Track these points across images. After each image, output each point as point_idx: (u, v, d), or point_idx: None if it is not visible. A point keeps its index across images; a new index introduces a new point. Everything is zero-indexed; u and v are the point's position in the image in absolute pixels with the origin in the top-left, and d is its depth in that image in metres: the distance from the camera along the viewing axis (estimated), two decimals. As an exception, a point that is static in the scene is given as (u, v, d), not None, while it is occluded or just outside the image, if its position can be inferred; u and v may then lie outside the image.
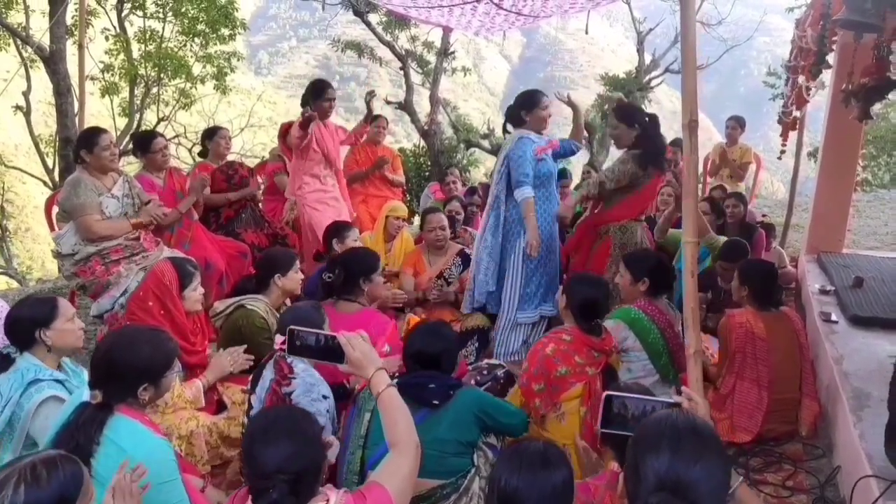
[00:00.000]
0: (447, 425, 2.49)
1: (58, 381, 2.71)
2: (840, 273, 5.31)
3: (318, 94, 5.20)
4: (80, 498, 1.61)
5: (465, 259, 4.78)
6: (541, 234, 4.19)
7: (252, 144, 16.42)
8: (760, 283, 3.63)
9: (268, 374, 2.78)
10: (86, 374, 2.92)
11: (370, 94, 6.05)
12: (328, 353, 2.15)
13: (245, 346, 3.39)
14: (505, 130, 4.51)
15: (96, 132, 4.22)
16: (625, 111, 4.45)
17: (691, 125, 2.75)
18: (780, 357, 3.49)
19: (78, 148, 4.16)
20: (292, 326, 2.23)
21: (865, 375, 3.54)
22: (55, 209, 4.35)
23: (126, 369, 2.16)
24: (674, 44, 12.19)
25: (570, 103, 4.55)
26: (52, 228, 4.41)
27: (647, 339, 3.48)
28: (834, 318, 4.44)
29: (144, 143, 4.85)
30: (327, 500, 1.77)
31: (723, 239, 4.76)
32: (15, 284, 8.85)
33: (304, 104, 5.19)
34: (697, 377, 2.72)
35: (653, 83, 12.83)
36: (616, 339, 3.38)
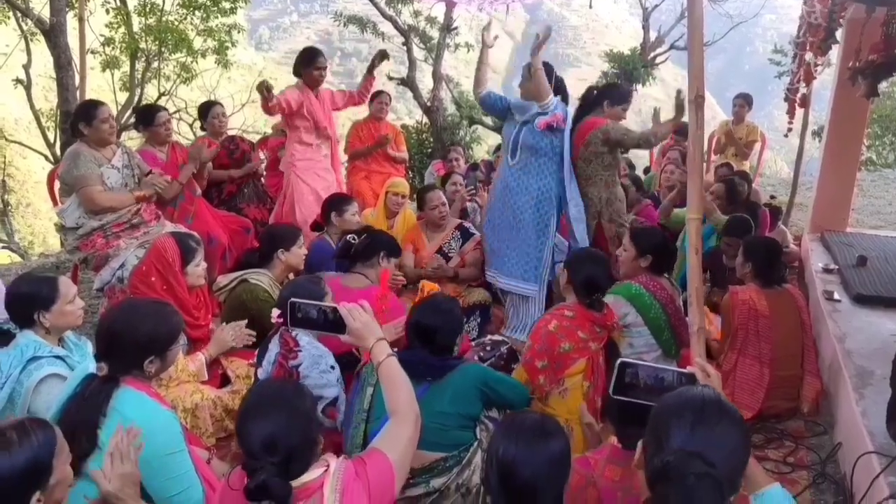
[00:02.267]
0: (449, 398, 2.50)
1: (58, 357, 2.70)
2: (844, 252, 5.31)
3: (307, 63, 5.11)
4: (56, 458, 1.62)
5: (465, 233, 4.77)
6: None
7: (253, 120, 16.31)
8: (764, 260, 3.63)
9: (273, 347, 2.79)
10: (89, 347, 2.94)
11: (382, 55, 5.55)
12: (329, 324, 2.15)
13: (246, 321, 3.40)
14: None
15: (94, 105, 4.20)
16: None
17: (697, 101, 2.72)
18: (782, 334, 3.50)
19: (76, 121, 4.14)
20: (293, 299, 2.23)
21: (868, 353, 3.55)
22: (57, 183, 4.35)
23: (132, 342, 2.16)
24: (679, 20, 12.07)
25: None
26: (55, 203, 4.41)
27: (649, 314, 3.47)
28: (837, 296, 4.45)
29: (147, 116, 4.82)
30: (327, 467, 1.78)
31: (726, 218, 4.75)
32: (17, 259, 8.86)
33: (295, 73, 5.15)
34: (701, 353, 2.72)
35: (658, 60, 12.70)
36: (617, 314, 3.38)
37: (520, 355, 3.50)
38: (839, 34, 4.77)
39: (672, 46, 12.30)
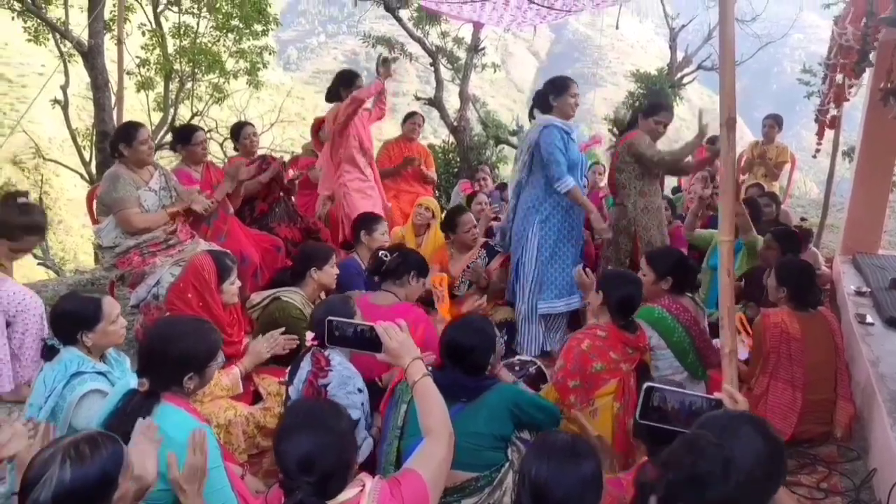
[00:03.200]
0: (483, 419, 2.52)
1: (100, 373, 2.76)
2: (876, 274, 5.24)
3: (348, 84, 5.23)
4: (122, 474, 1.66)
5: (490, 251, 4.82)
6: (563, 222, 4.26)
7: (281, 140, 16.53)
8: (797, 283, 3.60)
9: (305, 365, 2.83)
10: (128, 363, 3.01)
11: (385, 62, 5.26)
12: (366, 342, 2.19)
13: (282, 328, 3.45)
14: (531, 116, 4.49)
15: (134, 126, 4.32)
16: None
17: (729, 123, 2.73)
18: (815, 358, 3.46)
19: (116, 142, 4.26)
20: (330, 317, 2.27)
21: (905, 378, 3.50)
22: (95, 203, 4.46)
23: (172, 359, 2.22)
24: (706, 40, 12.02)
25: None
26: (93, 221, 4.52)
27: (672, 338, 3.47)
28: (870, 319, 4.39)
29: (185, 135, 4.93)
30: (363, 487, 1.80)
31: (761, 237, 4.72)
32: (53, 275, 9.06)
33: (332, 95, 5.24)
34: (732, 376, 2.70)
35: (685, 80, 12.66)
36: (647, 339, 3.38)
37: (548, 374, 3.51)
38: (872, 56, 4.76)
39: (700, 67, 12.24)
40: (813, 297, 3.64)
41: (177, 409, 2.21)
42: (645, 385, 1.86)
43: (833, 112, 5.03)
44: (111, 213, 4.19)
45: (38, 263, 10.11)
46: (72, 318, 2.72)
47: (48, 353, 2.77)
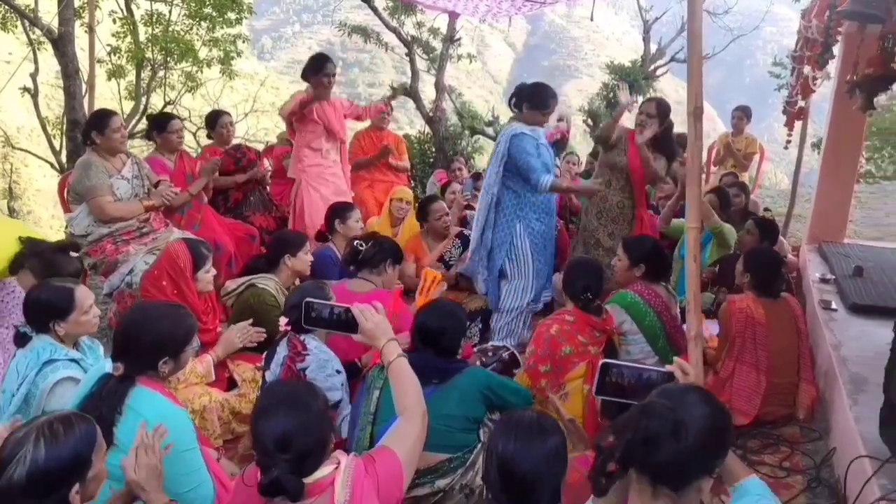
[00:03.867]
0: (454, 401, 2.57)
1: (73, 360, 2.76)
2: (840, 262, 5.38)
3: (316, 69, 5.16)
4: (94, 453, 1.69)
5: (465, 240, 4.87)
6: (539, 223, 4.30)
7: (256, 129, 16.41)
8: (764, 271, 3.70)
9: (281, 350, 2.87)
10: (101, 350, 3.02)
11: (395, 91, 5.93)
12: (342, 324, 2.23)
13: (251, 320, 3.46)
14: (511, 107, 4.45)
15: (107, 114, 4.29)
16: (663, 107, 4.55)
17: (696, 112, 2.80)
18: (778, 342, 3.56)
19: (88, 130, 4.23)
20: (308, 299, 2.30)
21: (863, 361, 3.61)
22: (67, 191, 4.43)
23: (147, 343, 2.24)
24: (679, 32, 12.16)
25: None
26: (65, 210, 4.48)
27: (644, 322, 3.55)
28: (833, 305, 4.52)
29: (161, 123, 4.90)
30: (338, 464, 1.84)
31: (727, 226, 4.82)
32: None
33: (303, 78, 5.23)
34: (697, 359, 2.79)
35: (658, 72, 12.80)
36: (614, 322, 3.46)
37: (521, 360, 3.58)
38: (837, 48, 4.88)
39: (672, 59, 12.41)
40: (777, 286, 3.74)
41: (152, 392, 2.23)
42: (601, 362, 1.93)
43: (801, 104, 5.14)
44: (83, 202, 4.16)
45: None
46: (45, 307, 2.71)
47: (20, 339, 2.77)
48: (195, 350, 2.47)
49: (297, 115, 5.12)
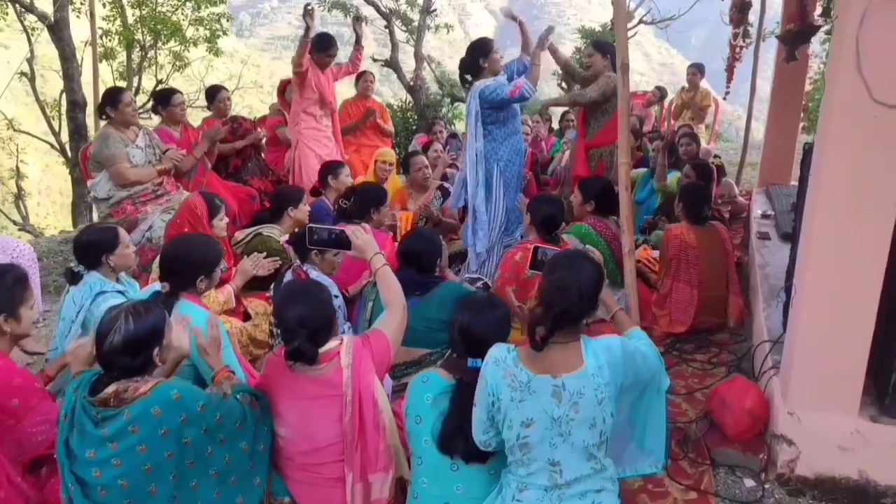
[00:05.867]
0: (433, 308, 3.19)
1: (119, 291, 3.39)
2: (782, 200, 6.00)
3: (323, 48, 5.84)
4: (166, 328, 2.29)
5: (445, 193, 5.46)
6: (510, 168, 4.84)
7: (241, 108, 16.84)
8: (692, 201, 4.33)
9: (287, 279, 3.47)
10: (137, 286, 3.62)
11: (356, 21, 6.49)
12: (338, 242, 2.81)
13: (264, 253, 4.04)
14: (464, 83, 4.87)
15: (118, 91, 4.86)
16: (599, 43, 5.10)
17: (623, 67, 3.41)
18: (708, 262, 4.20)
19: (103, 106, 4.79)
20: (310, 225, 2.89)
21: (780, 276, 4.26)
22: (88, 161, 4.98)
23: (187, 265, 2.84)
24: (646, -5, 12.63)
25: (513, 17, 5.10)
26: (87, 177, 5.04)
27: (596, 249, 4.18)
28: (770, 236, 5.16)
29: (165, 98, 5.46)
30: (341, 340, 2.46)
31: (671, 184, 5.40)
32: (34, 238, 9.47)
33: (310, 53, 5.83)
34: (631, 269, 3.44)
35: (629, 35, 13.29)
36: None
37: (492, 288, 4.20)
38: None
39: (640, 21, 12.89)
40: (705, 214, 4.35)
41: (193, 304, 2.84)
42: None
43: (736, 63, 5.77)
44: (104, 169, 4.72)
45: (19, 229, 10.49)
46: (95, 245, 3.31)
47: (72, 277, 3.36)
48: (224, 270, 3.06)
49: (298, 81, 5.73)
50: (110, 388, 2.12)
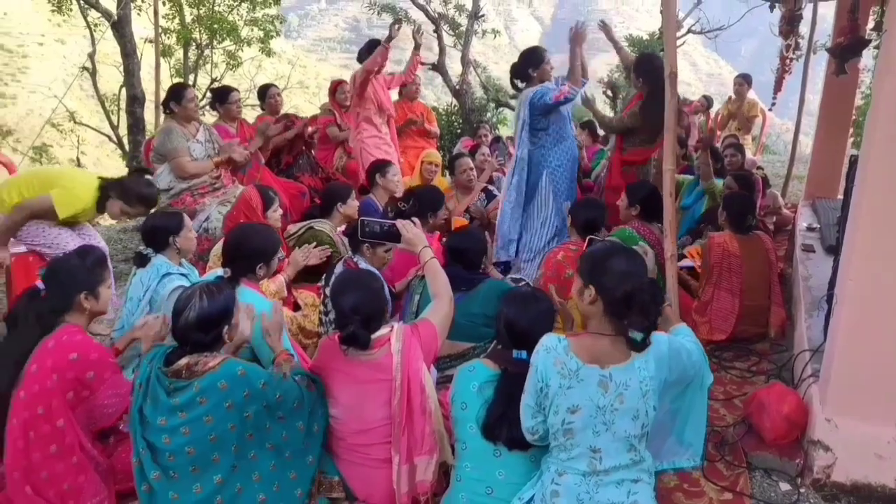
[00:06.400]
0: (478, 304, 3.31)
1: (182, 274, 3.59)
2: (828, 214, 5.98)
3: (370, 52, 6.02)
4: (235, 307, 2.46)
5: (489, 195, 5.59)
6: (559, 173, 4.93)
7: (287, 108, 17.20)
8: (736, 211, 4.37)
9: (339, 269, 3.63)
10: (196, 272, 3.82)
11: (416, 30, 6.67)
12: (389, 235, 2.94)
13: (314, 244, 4.20)
14: (515, 87, 5.00)
15: (183, 87, 5.10)
16: (637, 61, 5.19)
17: (671, 77, 3.47)
18: (751, 271, 4.23)
19: (168, 100, 5.02)
20: (363, 218, 3.04)
21: (825, 288, 4.27)
22: (151, 153, 5.23)
23: (248, 252, 3.02)
24: (696, 5, 12.55)
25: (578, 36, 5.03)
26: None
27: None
28: (814, 248, 5.16)
29: (222, 95, 5.70)
30: (392, 328, 2.59)
31: (718, 184, 5.44)
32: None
33: (359, 59, 6.03)
34: (673, 275, 3.50)
35: (677, 44, 13.21)
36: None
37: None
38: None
39: (689, 31, 12.82)
40: (748, 223, 4.39)
41: (252, 291, 3.01)
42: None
43: (786, 76, 5.77)
44: (166, 161, 4.96)
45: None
46: (163, 228, 3.53)
47: (141, 260, 3.57)
48: (281, 260, 3.23)
49: (359, 91, 5.99)
50: (183, 361, 2.29)
